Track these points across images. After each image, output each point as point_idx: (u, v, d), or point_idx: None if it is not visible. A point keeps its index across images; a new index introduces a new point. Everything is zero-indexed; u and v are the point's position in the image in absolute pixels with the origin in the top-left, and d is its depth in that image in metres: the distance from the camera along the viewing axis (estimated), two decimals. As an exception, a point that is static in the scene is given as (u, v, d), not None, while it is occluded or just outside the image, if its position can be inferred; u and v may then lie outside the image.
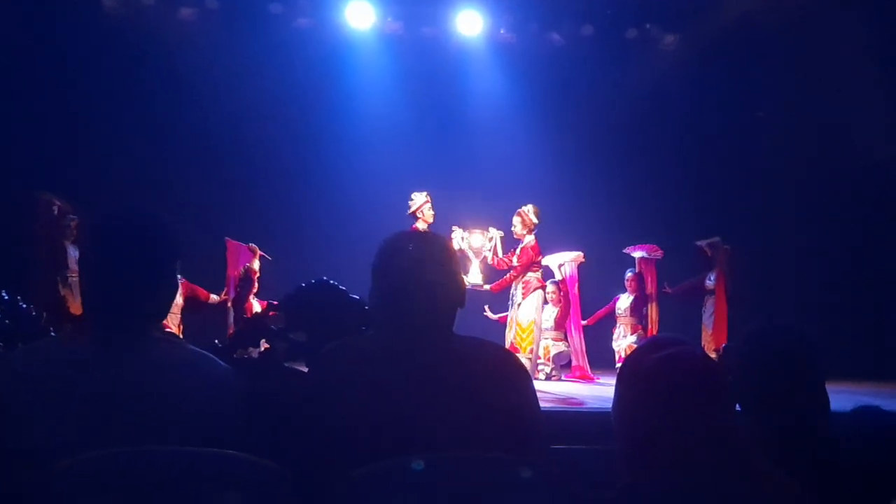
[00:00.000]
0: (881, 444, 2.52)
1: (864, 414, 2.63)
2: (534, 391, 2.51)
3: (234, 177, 12.33)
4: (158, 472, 1.98)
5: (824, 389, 2.63)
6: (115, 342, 2.25)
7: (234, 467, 2.05)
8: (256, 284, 10.87)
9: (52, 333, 2.97)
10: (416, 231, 2.47)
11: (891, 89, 11.07)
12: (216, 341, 3.19)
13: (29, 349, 2.39)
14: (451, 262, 2.48)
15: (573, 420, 6.53)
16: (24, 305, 3.09)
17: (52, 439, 2.05)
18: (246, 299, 10.72)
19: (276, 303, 3.38)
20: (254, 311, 10.72)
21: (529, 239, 10.15)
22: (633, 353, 2.23)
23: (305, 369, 3.07)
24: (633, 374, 2.12)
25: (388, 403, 2.23)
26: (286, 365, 3.16)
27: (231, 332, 10.50)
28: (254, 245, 10.96)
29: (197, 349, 2.37)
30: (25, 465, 1.96)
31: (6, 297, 2.97)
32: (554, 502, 2.19)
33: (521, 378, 2.49)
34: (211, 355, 2.39)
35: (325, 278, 3.23)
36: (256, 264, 10.93)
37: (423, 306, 2.36)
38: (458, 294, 2.46)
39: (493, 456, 2.19)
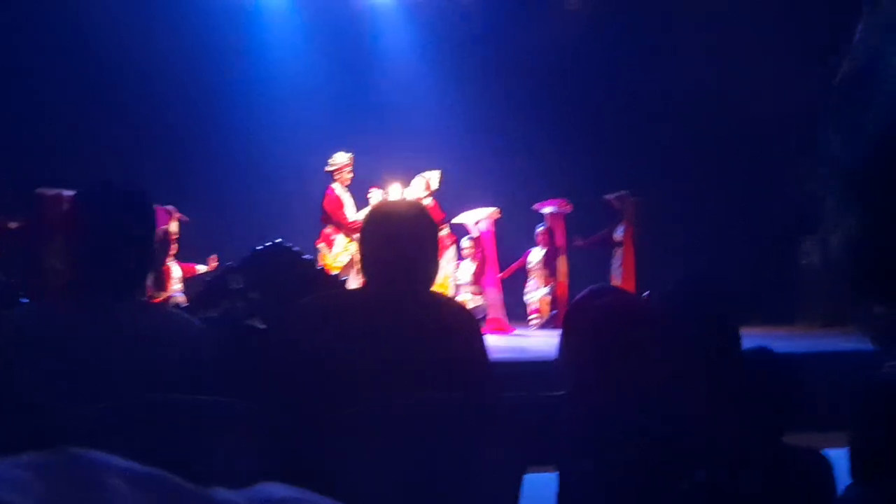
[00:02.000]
0: (770, 381, 2.78)
1: (756, 354, 2.89)
2: (485, 342, 2.77)
3: (150, 139, 12.24)
4: (152, 418, 2.19)
5: (738, 333, 2.89)
6: (102, 305, 2.43)
7: (218, 411, 2.29)
8: (175, 246, 10.88)
9: (24, 300, 3.11)
10: (404, 201, 2.68)
11: (783, 49, 11.48)
12: (178, 303, 3.35)
13: (20, 313, 2.56)
14: (433, 233, 2.74)
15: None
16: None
17: (50, 396, 2.22)
18: (164, 261, 10.73)
19: (231, 264, 3.56)
20: (172, 274, 10.78)
21: (428, 202, 10.43)
22: (576, 301, 2.49)
23: (262, 326, 3.28)
24: (578, 321, 2.38)
25: (363, 351, 2.46)
26: (246, 322, 3.35)
27: (149, 293, 10.52)
28: (171, 207, 10.92)
29: (173, 309, 2.57)
30: (27, 421, 2.14)
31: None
32: (506, 435, 2.46)
33: (478, 330, 2.75)
34: (185, 314, 2.60)
35: (279, 241, 3.42)
36: (174, 226, 10.91)
37: (402, 269, 2.60)
38: (435, 261, 2.72)
39: (453, 396, 2.45)
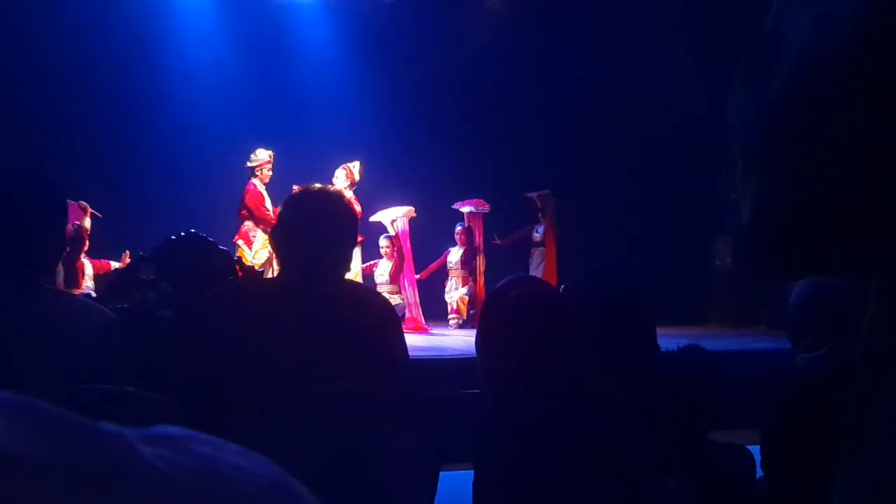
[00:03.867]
0: (701, 379, 2.80)
1: (688, 352, 2.91)
2: (402, 333, 2.75)
3: (62, 134, 11.97)
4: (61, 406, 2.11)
5: (653, 326, 2.90)
6: (6, 294, 2.35)
7: (127, 401, 2.22)
8: (87, 242, 10.67)
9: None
10: (321, 189, 2.64)
11: (701, 51, 11.66)
12: (90, 293, 3.27)
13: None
14: (348, 221, 2.71)
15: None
16: None
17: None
18: (77, 258, 10.50)
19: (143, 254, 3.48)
20: (84, 271, 10.56)
21: (349, 195, 10.38)
22: (494, 292, 2.47)
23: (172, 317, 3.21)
24: (497, 311, 2.36)
25: (276, 340, 2.42)
26: (157, 313, 3.28)
27: (62, 289, 10.27)
28: (84, 202, 10.70)
29: (82, 298, 2.50)
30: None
31: None
32: (424, 424, 2.44)
33: (396, 320, 2.73)
34: (96, 303, 2.53)
35: (193, 230, 3.35)
36: (87, 222, 10.70)
37: (319, 256, 2.57)
38: (349, 247, 2.69)
39: (368, 385, 2.42)
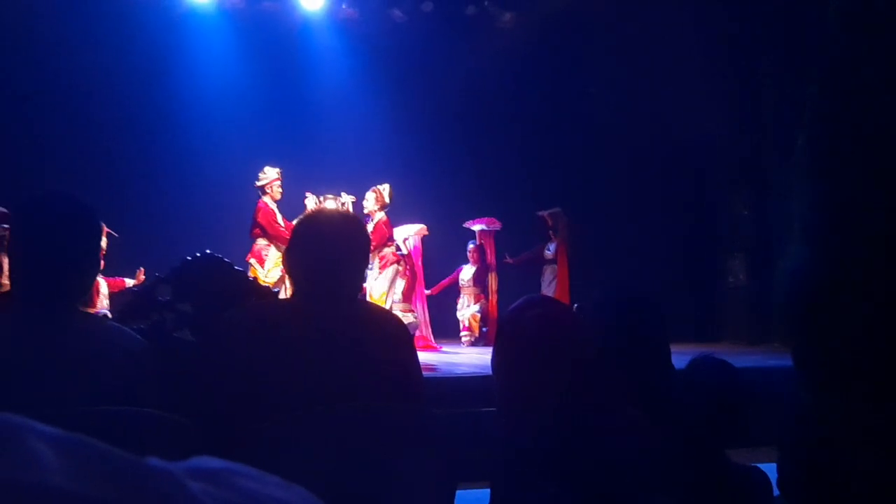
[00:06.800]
0: (718, 390, 2.78)
1: (701, 362, 2.90)
2: (416, 353, 2.76)
3: (75, 153, 12.01)
4: (87, 429, 2.13)
5: (667, 347, 2.90)
6: (43, 318, 2.38)
7: (148, 424, 2.24)
8: (103, 262, 10.67)
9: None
10: (334, 211, 2.67)
11: (714, 70, 11.66)
12: (106, 312, 3.29)
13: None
14: (360, 241, 2.72)
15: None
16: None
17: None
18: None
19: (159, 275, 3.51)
20: (99, 289, 10.57)
21: (381, 216, 10.41)
22: (510, 311, 2.47)
23: (191, 339, 3.23)
24: (512, 332, 2.37)
25: (292, 361, 2.43)
26: (175, 335, 3.29)
27: (96, 314, 10.27)
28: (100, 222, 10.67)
29: (115, 323, 2.53)
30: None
31: None
32: (439, 442, 2.44)
33: (409, 341, 2.74)
34: (127, 329, 2.55)
35: (209, 251, 3.37)
36: (103, 242, 10.68)
37: (332, 278, 2.58)
38: (361, 268, 2.71)
39: (385, 406, 2.43)
